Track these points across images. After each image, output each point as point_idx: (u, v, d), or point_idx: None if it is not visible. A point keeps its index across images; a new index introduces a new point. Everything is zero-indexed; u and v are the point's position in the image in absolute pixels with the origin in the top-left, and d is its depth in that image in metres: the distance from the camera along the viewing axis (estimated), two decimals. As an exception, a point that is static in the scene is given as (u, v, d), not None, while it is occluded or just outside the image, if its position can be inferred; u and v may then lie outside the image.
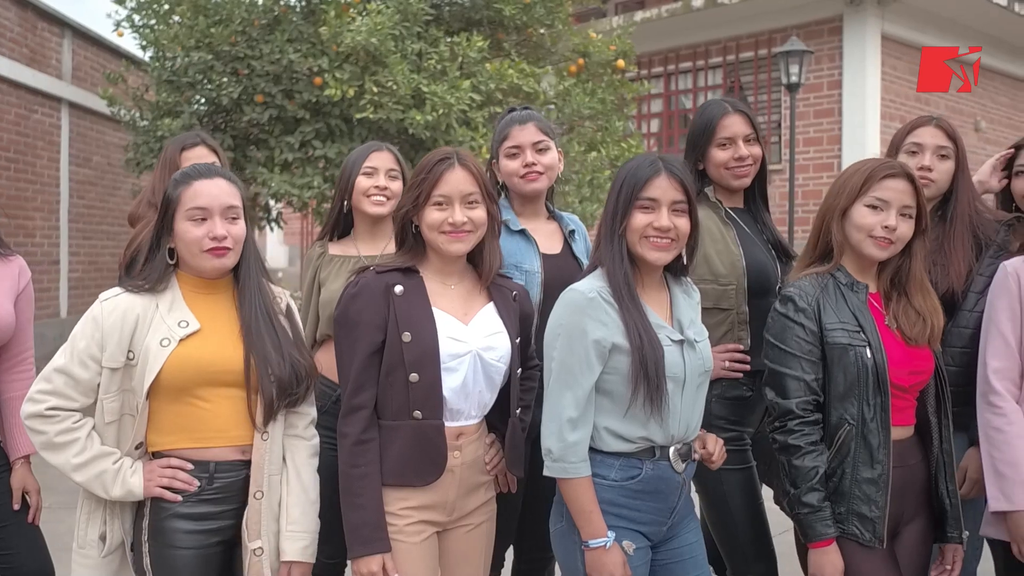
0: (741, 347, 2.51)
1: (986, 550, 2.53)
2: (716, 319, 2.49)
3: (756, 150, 2.60)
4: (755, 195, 2.69)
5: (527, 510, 2.50)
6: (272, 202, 8.33)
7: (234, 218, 2.03)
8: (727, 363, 2.47)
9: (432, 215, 2.07)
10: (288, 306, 2.17)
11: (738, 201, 2.67)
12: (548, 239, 2.59)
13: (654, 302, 2.09)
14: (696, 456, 2.13)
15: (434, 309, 2.08)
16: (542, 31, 8.34)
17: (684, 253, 2.13)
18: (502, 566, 2.66)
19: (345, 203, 2.77)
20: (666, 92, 12.71)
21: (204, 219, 2.00)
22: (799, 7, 10.89)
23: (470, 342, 2.09)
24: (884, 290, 2.19)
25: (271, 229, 8.98)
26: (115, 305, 1.99)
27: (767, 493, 2.51)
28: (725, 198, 2.64)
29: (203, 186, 2.01)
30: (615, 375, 1.98)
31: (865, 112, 10.55)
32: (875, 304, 2.17)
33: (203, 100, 7.71)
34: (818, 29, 11.05)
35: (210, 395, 2.00)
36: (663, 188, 2.02)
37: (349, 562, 2.06)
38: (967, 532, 2.19)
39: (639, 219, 2.02)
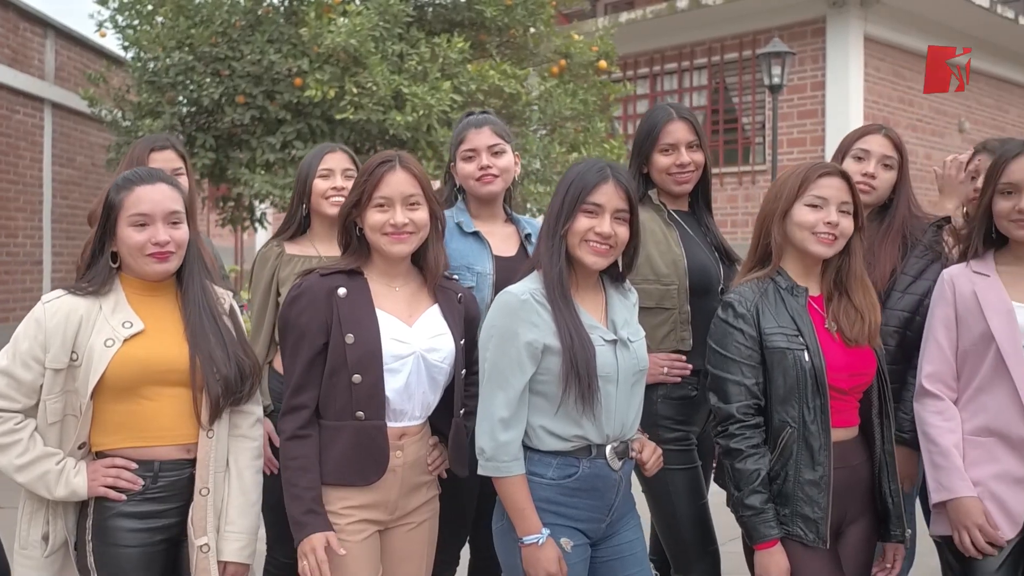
0: (683, 356, 2.56)
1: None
2: (659, 318, 2.53)
3: (698, 157, 2.64)
4: (699, 199, 2.73)
5: (482, 508, 2.53)
6: (257, 202, 8.34)
7: (175, 223, 2.05)
8: (666, 369, 2.50)
9: (374, 217, 2.09)
10: (231, 307, 2.19)
11: (683, 204, 2.71)
12: (503, 241, 2.61)
13: (589, 303, 2.12)
14: (633, 454, 2.16)
15: (377, 311, 2.10)
16: (524, 32, 8.37)
17: (621, 261, 2.17)
18: (457, 563, 2.69)
19: (304, 207, 2.80)
20: (652, 93, 12.74)
21: (146, 224, 2.02)
22: (782, 8, 10.95)
23: (413, 343, 2.11)
24: (827, 291, 2.21)
25: (255, 229, 8.99)
26: (58, 307, 2.01)
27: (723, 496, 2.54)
28: (669, 201, 2.69)
29: (145, 192, 2.02)
30: (548, 375, 2.01)
31: (848, 113, 10.61)
32: (816, 308, 2.19)
33: (186, 101, 7.73)
34: (801, 30, 11.11)
35: (155, 394, 2.01)
36: (609, 195, 2.06)
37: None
38: (910, 530, 2.22)
39: (582, 223, 2.05)
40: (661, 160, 2.63)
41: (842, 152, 2.68)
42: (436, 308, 2.19)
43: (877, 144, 2.63)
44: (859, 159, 2.63)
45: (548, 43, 8.56)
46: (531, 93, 8.09)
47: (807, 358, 2.07)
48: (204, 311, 2.07)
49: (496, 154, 2.60)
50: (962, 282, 2.26)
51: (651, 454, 2.18)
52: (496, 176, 2.60)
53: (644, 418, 2.47)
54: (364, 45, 6.96)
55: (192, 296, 2.08)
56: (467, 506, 2.53)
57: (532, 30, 8.33)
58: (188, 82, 7.46)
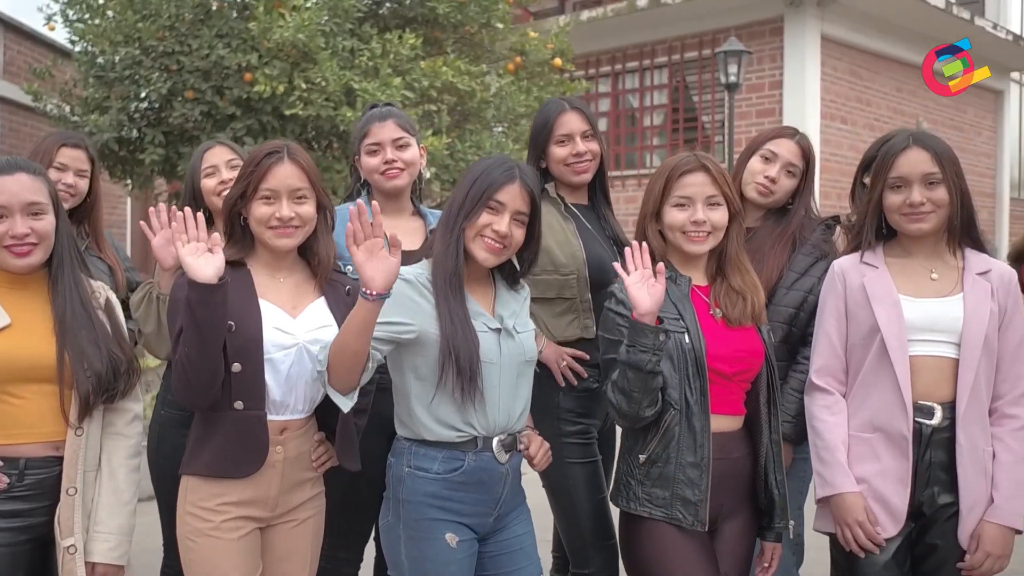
0: (586, 355, 2.55)
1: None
2: (561, 308, 2.54)
3: (594, 146, 2.66)
4: (596, 191, 2.74)
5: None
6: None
7: (37, 214, 1.99)
8: (564, 362, 2.51)
9: (259, 209, 2.07)
10: (108, 300, 2.15)
11: (582, 197, 2.73)
12: (407, 235, 2.59)
13: (477, 294, 2.12)
14: (521, 447, 2.14)
15: (261, 300, 2.08)
16: (479, 29, 8.35)
17: (516, 261, 2.17)
18: (360, 560, 2.66)
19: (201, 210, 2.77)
20: (613, 91, 12.77)
21: (3, 216, 1.96)
22: (741, 8, 11.00)
23: (297, 334, 2.09)
24: (710, 279, 2.23)
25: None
26: None
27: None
28: (569, 194, 2.70)
29: (2, 183, 1.97)
30: (427, 362, 2.01)
31: (805, 112, 10.68)
32: (702, 296, 2.20)
33: (136, 96, 7.64)
34: (760, 30, 11.17)
35: (21, 391, 1.96)
36: (513, 195, 2.06)
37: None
38: (793, 521, 2.22)
39: (483, 219, 2.06)
40: (557, 151, 2.64)
41: (752, 149, 2.70)
42: (322, 300, 2.17)
43: (786, 149, 2.64)
44: (766, 160, 2.65)
45: (504, 40, 8.55)
46: (488, 90, 8.08)
47: (688, 340, 2.08)
48: (75, 304, 2.02)
49: (401, 147, 2.59)
50: (852, 274, 2.26)
51: (538, 448, 2.17)
52: (401, 170, 2.59)
53: (545, 410, 2.47)
54: (314, 40, 6.92)
55: (62, 289, 2.03)
56: (369, 501, 2.51)
57: (487, 27, 8.31)
58: (135, 77, 7.37)
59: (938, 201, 2.16)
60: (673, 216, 2.15)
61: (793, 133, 2.70)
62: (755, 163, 2.65)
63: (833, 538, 2.23)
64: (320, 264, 2.16)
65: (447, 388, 1.98)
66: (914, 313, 2.16)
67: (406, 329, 2.00)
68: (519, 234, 2.09)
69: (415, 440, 2.06)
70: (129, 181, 8.22)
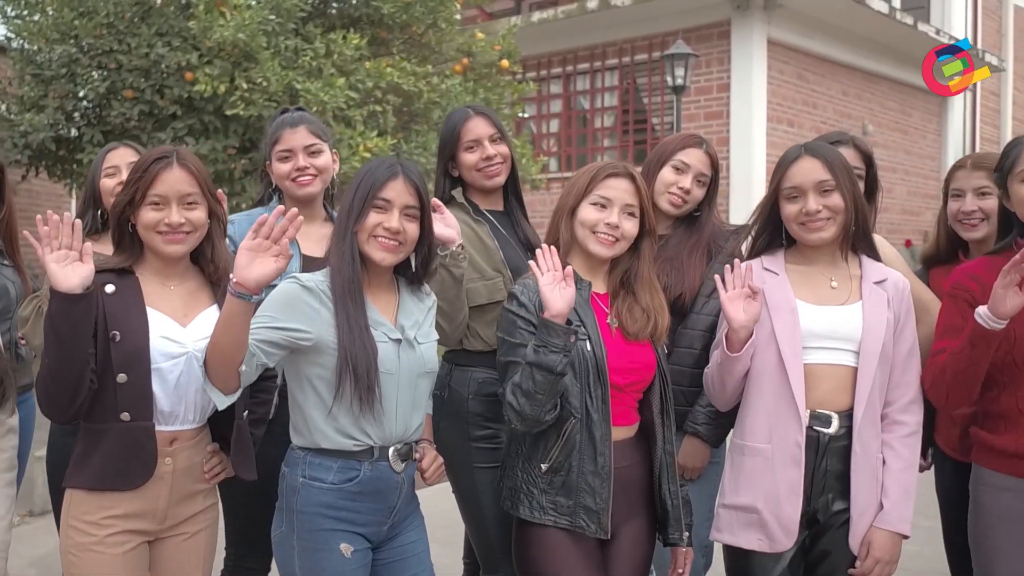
0: None
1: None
2: (494, 314, 2.54)
3: (503, 149, 2.67)
4: (509, 195, 2.75)
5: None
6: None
7: None
8: None
9: (148, 215, 2.04)
10: None
11: (496, 203, 2.73)
12: (317, 242, 2.58)
13: (380, 302, 2.11)
14: (417, 456, 2.14)
15: (149, 309, 2.05)
16: (426, 30, 8.33)
17: (415, 261, 2.15)
18: (268, 570, 2.65)
19: (98, 209, 2.74)
20: (565, 93, 12.81)
21: None
22: (689, 11, 11.10)
23: (186, 343, 2.06)
24: (612, 289, 2.23)
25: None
26: None
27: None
28: (482, 200, 2.70)
29: None
30: (325, 370, 1.99)
31: (751, 115, 10.81)
32: (600, 304, 2.21)
33: (75, 95, 7.50)
34: (708, 33, 11.28)
35: None
36: (398, 191, 2.06)
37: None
38: (687, 533, 2.22)
39: (372, 218, 2.05)
40: (468, 158, 2.65)
41: (662, 159, 2.71)
42: (215, 308, 2.14)
43: (696, 159, 2.67)
44: (678, 170, 2.66)
45: (451, 42, 8.53)
46: (436, 91, 8.05)
47: (589, 347, 2.08)
48: None
49: (313, 154, 2.58)
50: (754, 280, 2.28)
51: (431, 462, 2.17)
52: (314, 176, 2.58)
53: (455, 415, 2.47)
54: (255, 40, 6.85)
55: None
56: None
57: (434, 28, 8.29)
58: (74, 75, 7.25)
59: (834, 208, 2.18)
60: (588, 214, 2.15)
61: (700, 142, 2.73)
62: (667, 174, 2.67)
63: (727, 548, 2.25)
64: (212, 271, 2.13)
65: (344, 397, 1.96)
66: (814, 321, 2.18)
67: (303, 336, 1.99)
68: (412, 229, 2.08)
69: (311, 449, 2.04)
70: (69, 181, 8.08)
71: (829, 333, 2.17)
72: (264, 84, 6.88)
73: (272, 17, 7.00)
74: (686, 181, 2.64)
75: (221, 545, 2.67)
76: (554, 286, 2.01)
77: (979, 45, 16.37)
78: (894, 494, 2.16)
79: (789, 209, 2.22)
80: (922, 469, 2.77)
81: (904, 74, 14.12)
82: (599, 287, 2.23)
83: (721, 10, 11.02)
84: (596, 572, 2.10)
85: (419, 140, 7.75)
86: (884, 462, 2.18)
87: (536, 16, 12.19)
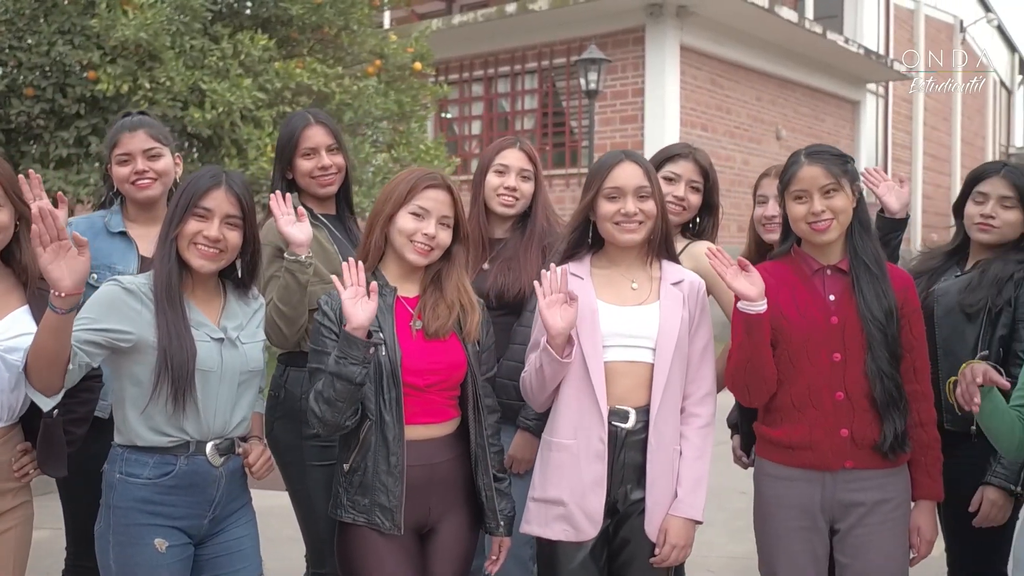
0: None
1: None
2: None
3: (339, 159, 2.75)
4: (342, 202, 2.84)
5: None
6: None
7: None
8: None
9: None
10: None
11: (330, 208, 2.82)
12: (155, 243, 2.63)
13: (203, 304, 2.17)
14: (239, 451, 2.20)
15: None
16: (338, 32, 8.37)
17: (240, 266, 2.22)
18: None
19: None
20: (487, 95, 12.95)
21: None
22: (605, 16, 11.33)
23: None
24: (422, 291, 2.30)
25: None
26: None
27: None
28: (316, 205, 2.77)
29: None
30: (144, 369, 2.04)
31: (664, 119, 11.08)
32: (407, 307, 2.27)
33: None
34: (624, 38, 11.53)
35: None
36: (219, 200, 2.11)
37: None
38: (503, 522, 2.29)
39: (192, 226, 2.11)
40: (303, 164, 2.72)
41: (485, 166, 2.81)
42: (25, 309, 2.16)
43: (514, 159, 2.77)
44: (500, 173, 2.77)
45: (363, 43, 8.58)
46: (349, 92, 8.10)
47: (384, 352, 2.15)
48: None
49: (152, 158, 2.61)
50: None
51: (258, 457, 2.22)
52: (153, 180, 2.61)
53: (290, 413, 2.54)
54: (158, 39, 6.82)
55: None
56: None
57: (346, 30, 8.33)
58: (-35, 73, 7.12)
59: (647, 213, 2.30)
60: (406, 223, 2.22)
61: (514, 142, 2.83)
62: (492, 179, 2.78)
63: (537, 539, 2.33)
64: (23, 272, 2.16)
65: (161, 395, 2.02)
66: (614, 321, 2.29)
67: (124, 337, 2.04)
68: (234, 237, 2.14)
69: (128, 446, 2.09)
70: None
71: (628, 332, 2.28)
72: (168, 84, 6.86)
73: (177, 16, 6.97)
74: (510, 180, 2.76)
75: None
76: (356, 300, 2.07)
77: (891, 54, 16.99)
78: (687, 482, 2.27)
79: (607, 208, 2.31)
80: (745, 466, 2.93)
81: (816, 80, 14.59)
82: (410, 291, 2.29)
83: (635, 16, 11.27)
84: (409, 566, 2.18)
85: (329, 141, 7.78)
86: (681, 453, 2.30)
87: (457, 19, 12.31)
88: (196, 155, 7.83)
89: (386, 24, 12.65)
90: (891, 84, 17.63)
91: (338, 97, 7.89)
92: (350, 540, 2.19)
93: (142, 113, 2.75)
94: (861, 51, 14.38)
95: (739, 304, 2.23)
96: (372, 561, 2.14)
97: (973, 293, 2.50)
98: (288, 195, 2.52)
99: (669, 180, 2.77)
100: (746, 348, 2.24)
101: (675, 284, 2.35)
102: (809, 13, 15.09)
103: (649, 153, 11.05)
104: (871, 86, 16.84)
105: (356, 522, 2.17)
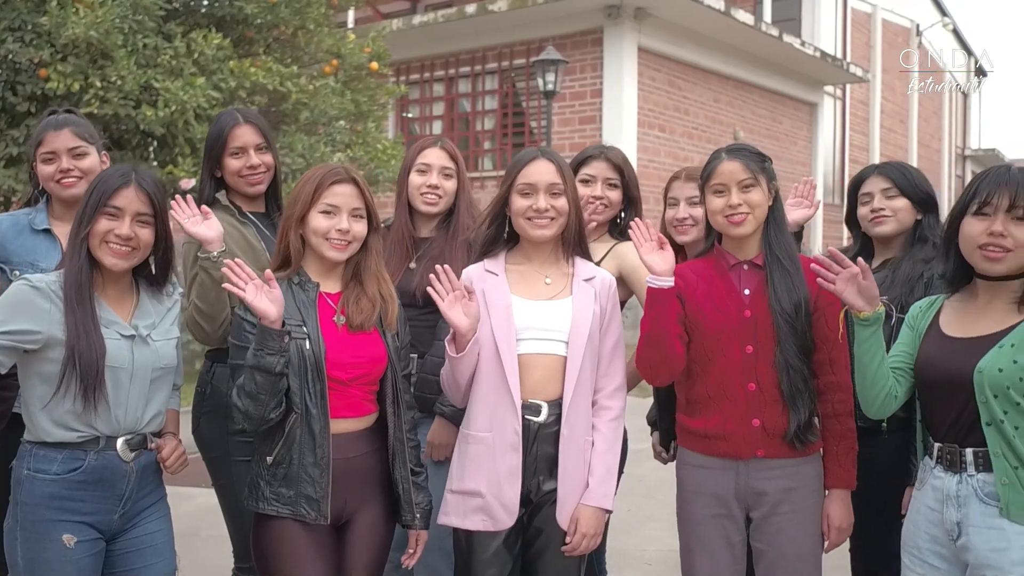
0: None
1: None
2: None
3: (267, 158, 2.78)
4: (271, 200, 2.88)
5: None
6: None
7: None
8: None
9: None
10: None
11: (259, 206, 2.85)
12: None
13: (115, 301, 2.20)
14: (152, 446, 2.23)
15: None
16: (295, 31, 8.37)
17: (153, 264, 2.26)
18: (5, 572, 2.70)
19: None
20: (447, 95, 12.99)
21: None
22: (563, 18, 11.42)
23: None
24: (344, 285, 2.34)
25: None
26: None
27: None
28: (245, 203, 2.81)
29: None
30: (53, 365, 2.07)
31: (622, 120, 11.19)
32: (330, 302, 2.31)
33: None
34: (582, 40, 11.63)
35: None
36: (130, 199, 2.14)
37: None
38: (419, 515, 2.34)
39: (103, 225, 2.14)
40: (232, 163, 2.74)
41: (407, 167, 2.87)
42: None
43: (436, 157, 2.83)
44: (422, 172, 2.83)
45: (320, 43, 8.59)
46: (305, 92, 8.10)
47: (308, 346, 2.19)
48: None
49: (78, 156, 2.63)
50: (476, 282, 2.41)
51: (171, 452, 2.25)
52: (78, 178, 2.63)
53: (218, 409, 2.56)
54: (110, 37, 6.79)
55: None
56: None
57: (302, 29, 8.34)
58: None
59: (560, 209, 2.37)
60: (318, 222, 2.25)
61: (435, 141, 2.89)
62: (414, 178, 2.84)
63: (455, 531, 2.38)
64: None
65: (69, 392, 2.04)
66: (528, 315, 2.35)
67: (31, 337, 2.06)
68: (145, 235, 2.17)
69: (36, 443, 2.11)
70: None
71: (541, 325, 2.34)
72: (119, 83, 6.84)
73: (130, 15, 6.94)
74: (432, 178, 2.81)
75: None
76: (258, 294, 2.11)
77: (848, 57, 17.27)
78: (598, 473, 2.34)
79: (520, 204, 2.37)
80: (666, 461, 3.01)
81: (774, 83, 14.80)
82: (332, 287, 2.33)
83: (593, 18, 11.37)
84: (324, 557, 2.21)
85: (284, 140, 7.78)
86: (593, 444, 2.36)
87: (417, 19, 12.34)
88: (151, 154, 7.82)
89: (350, 23, 12.66)
90: (848, 87, 17.93)
91: (294, 96, 7.90)
92: (267, 532, 2.21)
93: (69, 111, 2.76)
94: (817, 54, 14.61)
95: (648, 278, 2.30)
96: (288, 552, 2.17)
97: (887, 293, 2.57)
98: (188, 196, 2.53)
99: (585, 182, 2.84)
100: (651, 321, 2.30)
101: (587, 280, 2.41)
102: (767, 16, 15.31)
103: (607, 154, 11.22)
104: (829, 88, 17.10)
105: (280, 514, 2.19)
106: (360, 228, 2.28)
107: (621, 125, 11.09)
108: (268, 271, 2.15)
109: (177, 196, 2.53)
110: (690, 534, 2.42)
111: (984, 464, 2.03)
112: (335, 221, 2.24)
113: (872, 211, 2.70)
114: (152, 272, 2.28)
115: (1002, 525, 1.99)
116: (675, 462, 2.58)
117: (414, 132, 13.14)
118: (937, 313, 2.21)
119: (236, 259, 2.18)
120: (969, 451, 2.05)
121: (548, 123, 10.40)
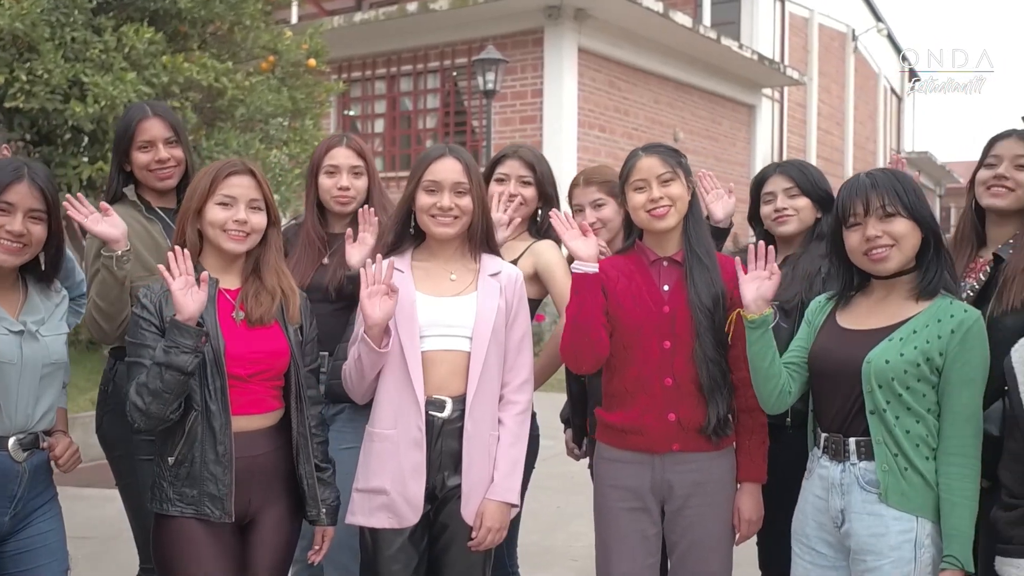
0: None
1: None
2: None
3: (177, 152, 2.75)
4: (181, 195, 2.86)
5: None
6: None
7: None
8: None
9: None
10: None
11: (169, 201, 2.81)
12: None
13: (2, 298, 2.17)
14: (44, 445, 2.20)
15: None
16: (231, 27, 8.27)
17: (44, 260, 2.22)
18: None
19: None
20: (390, 93, 12.95)
21: None
22: (504, 18, 11.47)
23: None
24: (243, 281, 2.32)
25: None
26: None
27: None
28: (155, 199, 2.78)
29: None
30: None
31: (562, 120, 11.27)
32: (228, 298, 2.28)
33: None
34: (523, 39, 11.68)
35: None
36: (22, 194, 2.11)
37: None
38: (324, 511, 2.33)
39: None
40: (141, 157, 2.71)
41: (315, 170, 2.86)
42: None
43: (343, 157, 2.82)
44: (331, 173, 2.82)
45: (256, 39, 8.50)
46: (241, 88, 8.01)
47: (206, 342, 2.16)
48: None
49: None
50: None
51: (65, 450, 2.22)
52: None
53: (119, 408, 2.47)
54: (36, 30, 6.64)
55: None
56: None
57: (238, 25, 8.25)
58: None
59: (464, 208, 2.38)
60: (215, 214, 2.23)
61: (341, 139, 2.88)
62: (324, 181, 2.83)
63: (361, 528, 2.37)
64: None
65: None
66: (432, 311, 2.36)
67: None
68: (38, 231, 2.14)
69: None
70: None
71: (445, 321, 2.36)
72: (46, 76, 6.69)
73: (57, 7, 6.80)
74: (342, 179, 2.80)
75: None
76: (186, 290, 2.08)
77: (786, 60, 17.62)
78: (503, 467, 2.33)
79: (425, 201, 2.38)
80: (578, 458, 3.06)
81: (713, 84, 15.04)
82: (231, 283, 2.30)
83: (534, 18, 11.44)
84: (227, 556, 2.19)
85: (219, 137, 7.68)
86: (498, 439, 2.38)
87: (358, 17, 12.27)
88: (83, 150, 7.65)
89: (294, 19, 12.54)
90: (786, 89, 18.28)
91: (230, 92, 7.78)
92: (168, 533, 2.18)
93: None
94: (755, 57, 14.88)
95: (572, 264, 2.34)
96: (189, 553, 2.14)
97: (787, 289, 2.64)
98: (80, 195, 2.49)
99: (500, 181, 2.88)
100: (577, 306, 2.34)
101: (493, 275, 2.43)
102: (707, 19, 15.55)
103: (547, 152, 11.31)
104: (767, 91, 17.42)
105: (184, 514, 2.16)
106: (258, 220, 2.25)
107: (561, 125, 11.18)
108: (205, 273, 2.13)
109: (68, 195, 2.48)
110: (606, 527, 2.47)
111: (866, 453, 2.12)
112: (232, 212, 2.21)
113: (776, 210, 2.77)
114: (42, 268, 2.24)
115: (881, 511, 2.08)
116: (593, 457, 2.62)
117: (356, 130, 13.06)
118: (835, 308, 2.30)
119: (179, 249, 2.15)
120: (852, 440, 2.14)
121: (489, 122, 10.44)
